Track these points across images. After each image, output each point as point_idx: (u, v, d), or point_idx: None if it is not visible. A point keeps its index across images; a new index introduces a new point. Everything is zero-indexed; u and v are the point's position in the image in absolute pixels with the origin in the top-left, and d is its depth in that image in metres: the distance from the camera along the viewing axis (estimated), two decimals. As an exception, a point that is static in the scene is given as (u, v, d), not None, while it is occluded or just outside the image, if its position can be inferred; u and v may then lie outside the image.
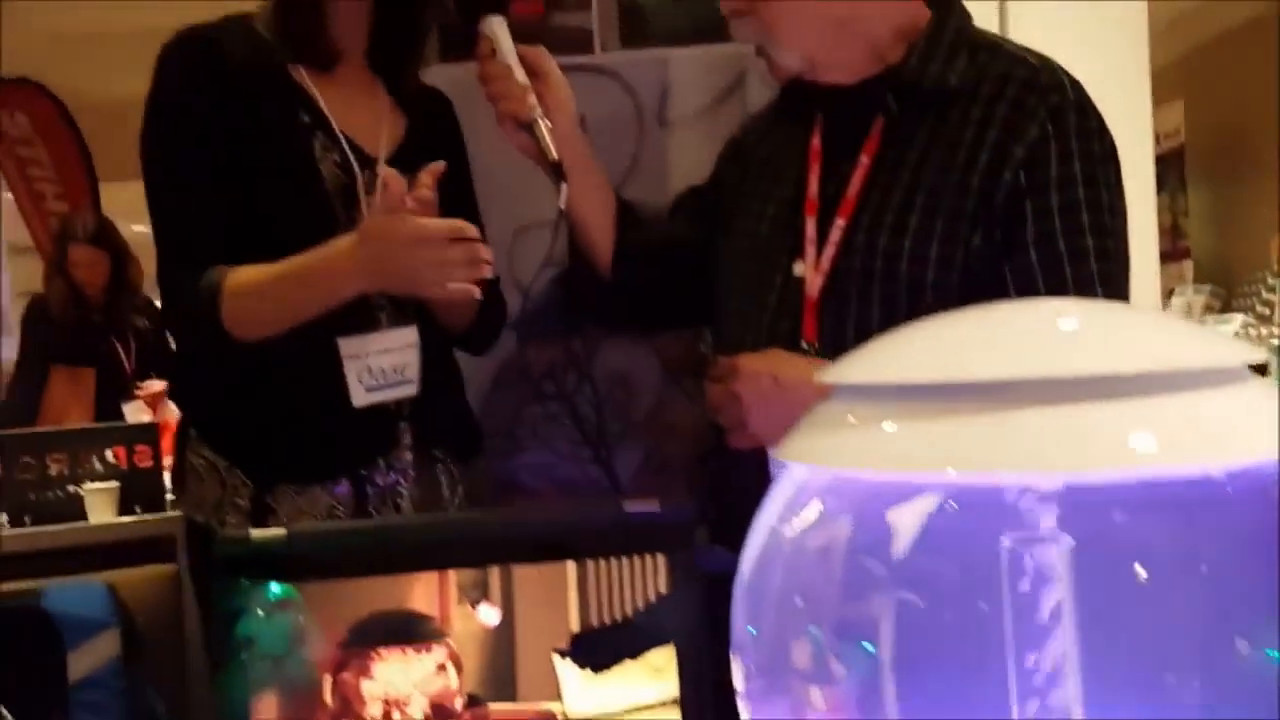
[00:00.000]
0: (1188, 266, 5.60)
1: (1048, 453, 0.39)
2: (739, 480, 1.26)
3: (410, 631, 0.89)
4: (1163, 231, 3.87)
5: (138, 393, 3.65)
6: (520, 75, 1.29)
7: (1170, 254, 5.45)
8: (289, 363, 1.30)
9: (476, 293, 1.24)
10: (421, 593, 0.91)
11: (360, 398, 1.31)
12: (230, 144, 1.29)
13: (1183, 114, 5.72)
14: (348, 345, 1.30)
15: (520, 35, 1.33)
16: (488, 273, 1.23)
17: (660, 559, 0.78)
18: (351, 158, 1.32)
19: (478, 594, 0.93)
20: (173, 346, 1.56)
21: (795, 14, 1.20)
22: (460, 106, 1.54)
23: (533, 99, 1.29)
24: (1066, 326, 0.46)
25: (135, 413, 3.59)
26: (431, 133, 1.43)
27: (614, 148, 1.64)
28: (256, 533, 0.80)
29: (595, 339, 1.74)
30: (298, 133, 1.31)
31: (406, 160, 1.35)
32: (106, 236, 3.93)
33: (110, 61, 6.67)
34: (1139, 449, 0.39)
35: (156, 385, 3.63)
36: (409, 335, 1.35)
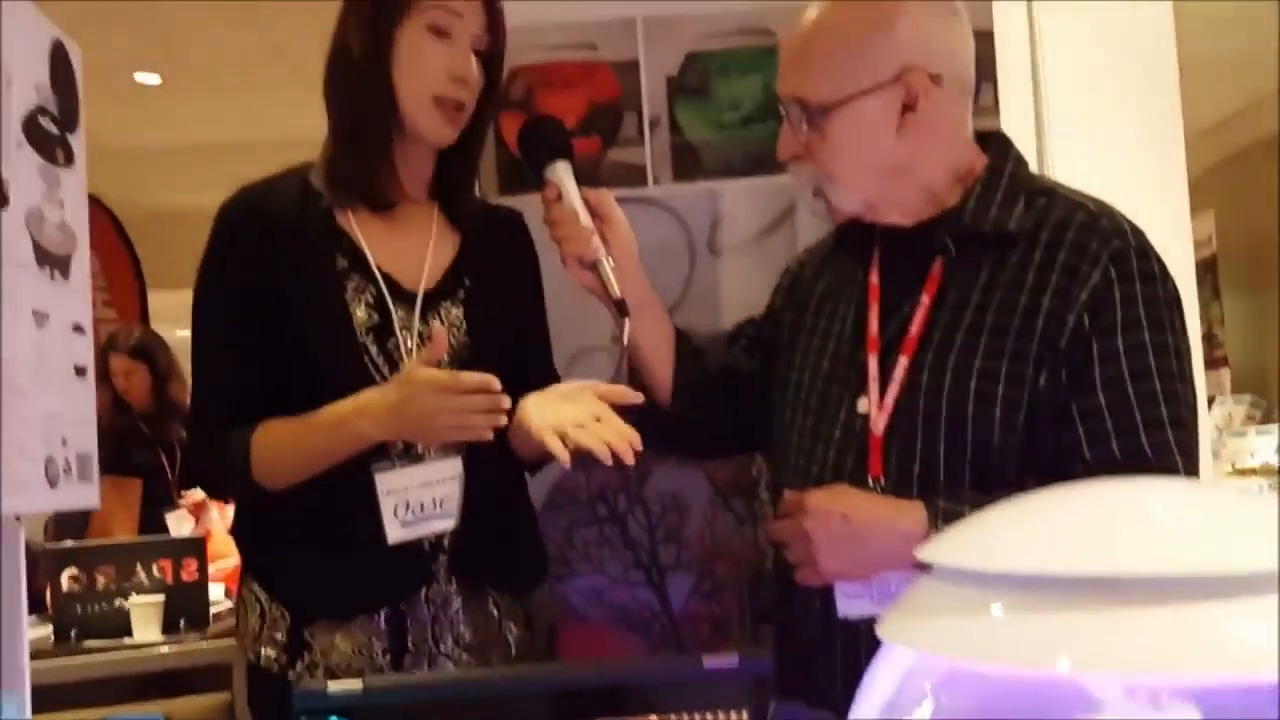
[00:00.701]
0: (1225, 375, 5.58)
1: (1182, 652, 0.40)
2: (801, 617, 1.27)
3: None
4: (1199, 339, 3.88)
5: (180, 502, 3.69)
6: (584, 218, 1.34)
7: (1208, 362, 5.43)
8: (327, 497, 1.32)
9: (488, 434, 1.24)
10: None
11: (395, 533, 1.30)
12: (268, 300, 1.33)
13: (1214, 223, 5.76)
14: (385, 480, 1.30)
15: (578, 171, 1.38)
16: (503, 423, 1.24)
17: (740, 714, 0.78)
18: (387, 295, 1.34)
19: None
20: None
21: (853, 160, 1.24)
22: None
23: (597, 240, 1.33)
24: (1169, 518, 0.47)
25: (178, 522, 3.62)
26: (489, 253, 1.45)
27: (667, 276, 1.68)
28: (333, 685, 0.80)
29: (647, 461, 1.76)
30: (333, 277, 1.33)
31: (451, 286, 1.39)
32: (146, 348, 4.02)
33: (161, 174, 6.92)
34: (1269, 648, 0.40)
35: (199, 495, 3.67)
36: (453, 467, 1.35)
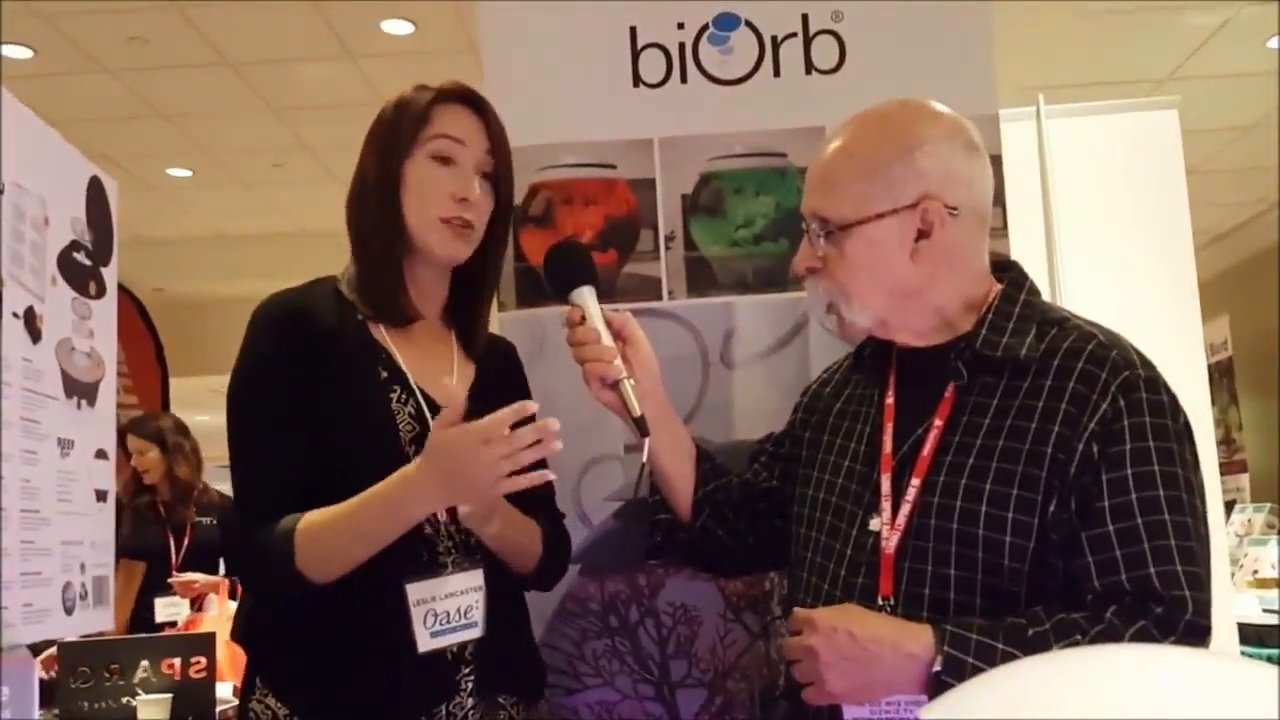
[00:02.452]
0: (1244, 480, 5.52)
1: None
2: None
3: None
4: (1217, 444, 3.86)
5: (172, 583, 3.69)
6: (607, 339, 1.38)
7: (1227, 467, 5.39)
8: (353, 608, 1.32)
9: (549, 475, 1.26)
10: None
11: (425, 642, 1.32)
12: (312, 402, 1.35)
13: (1229, 328, 5.77)
14: (415, 590, 1.32)
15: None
16: (558, 447, 1.24)
17: None
18: (426, 408, 1.39)
19: None
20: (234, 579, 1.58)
21: (867, 279, 1.26)
22: (535, 348, 1.62)
23: (619, 361, 1.37)
24: (1176, 695, 0.48)
25: (165, 608, 3.64)
26: (499, 379, 1.50)
27: (680, 388, 1.70)
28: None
29: (660, 572, 1.76)
30: (377, 386, 1.38)
31: (476, 407, 1.41)
32: (156, 429, 4.08)
33: (186, 264, 7.05)
34: None
35: (194, 577, 3.67)
36: (475, 578, 1.37)
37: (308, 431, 1.34)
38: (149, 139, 5.62)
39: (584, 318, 1.37)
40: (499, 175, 1.44)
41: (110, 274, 0.96)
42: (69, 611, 0.86)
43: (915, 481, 1.23)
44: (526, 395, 1.53)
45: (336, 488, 1.32)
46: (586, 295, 1.38)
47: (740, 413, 1.77)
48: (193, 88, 5.09)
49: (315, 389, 1.35)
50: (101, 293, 0.94)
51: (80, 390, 0.90)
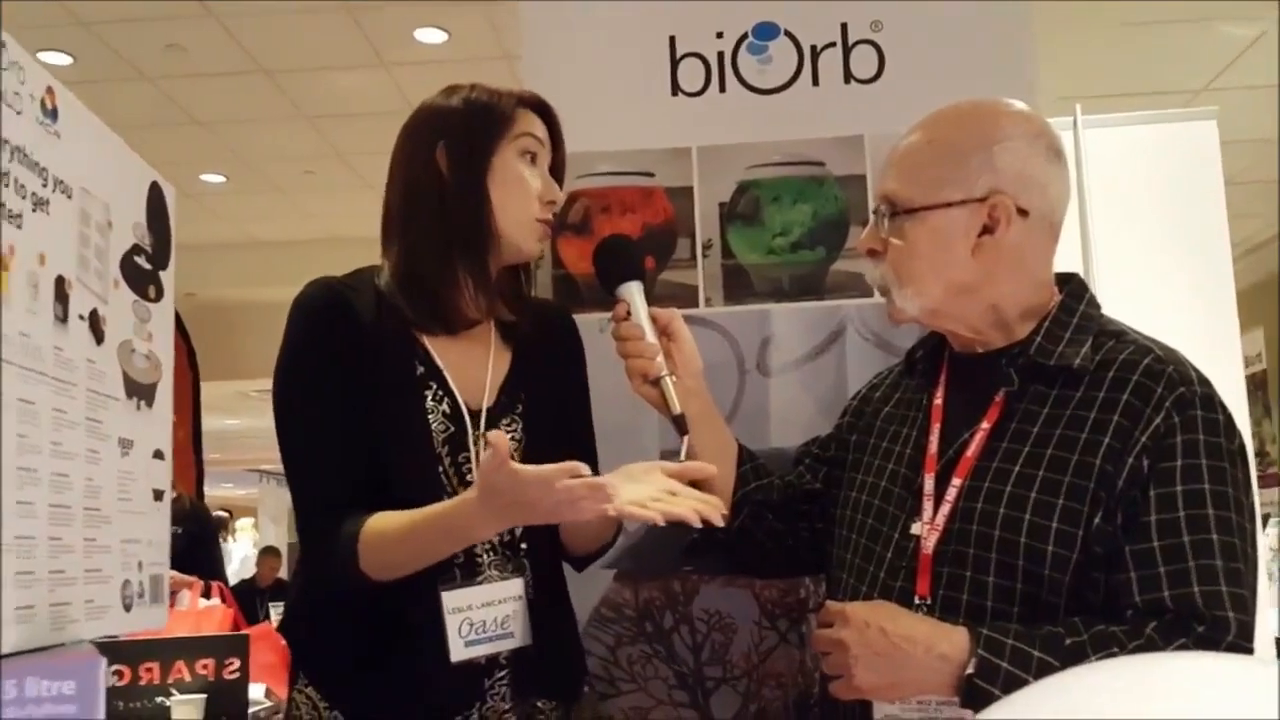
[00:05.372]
0: (1277, 494, 5.46)
1: None
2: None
3: None
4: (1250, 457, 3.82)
5: None
6: (651, 336, 1.37)
7: (1261, 480, 5.32)
8: (393, 611, 1.32)
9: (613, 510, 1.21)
10: None
11: (459, 652, 1.31)
12: (352, 393, 1.35)
13: (1263, 340, 5.71)
14: (451, 598, 1.31)
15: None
16: (612, 497, 1.19)
17: None
18: (462, 407, 1.38)
19: None
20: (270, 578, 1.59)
21: (924, 266, 1.25)
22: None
23: (661, 358, 1.36)
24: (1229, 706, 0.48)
25: None
26: (542, 362, 1.47)
27: (716, 395, 1.69)
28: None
29: (694, 578, 1.76)
30: (413, 385, 1.38)
31: (509, 403, 1.41)
32: None
33: (218, 269, 7.11)
34: None
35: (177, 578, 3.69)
36: (515, 587, 1.36)
37: (353, 424, 1.34)
38: (184, 145, 5.69)
39: (629, 313, 1.37)
40: (558, 175, 1.44)
41: (168, 278, 0.98)
42: (128, 608, 0.88)
43: (957, 482, 1.22)
44: (573, 370, 1.51)
45: (371, 481, 1.32)
46: (634, 290, 1.38)
47: (776, 420, 1.78)
48: (228, 95, 5.15)
49: (353, 382, 1.35)
50: (160, 296, 0.95)
51: (140, 392, 0.91)
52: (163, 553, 0.96)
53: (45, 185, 0.75)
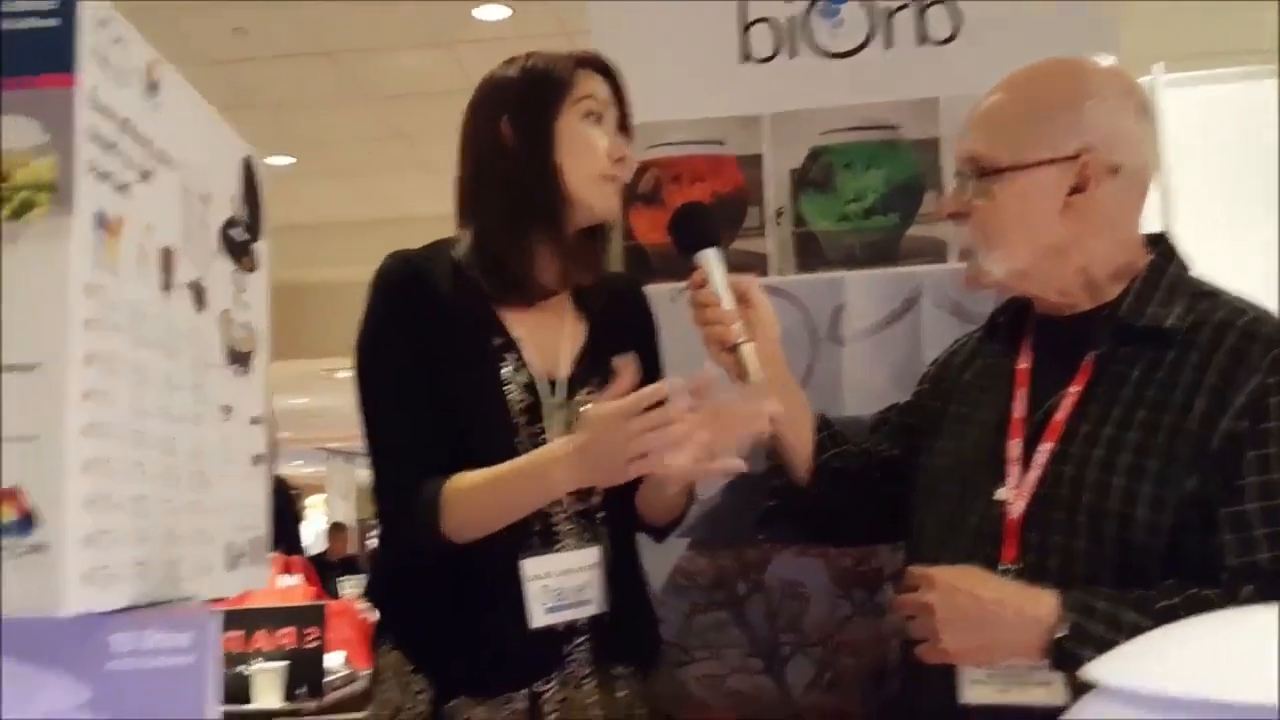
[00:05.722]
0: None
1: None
2: (927, 712, 1.25)
3: None
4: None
5: None
6: (728, 303, 1.35)
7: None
8: (475, 577, 1.35)
9: (677, 459, 1.21)
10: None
11: (539, 618, 1.33)
12: (432, 365, 1.37)
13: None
14: (531, 566, 1.33)
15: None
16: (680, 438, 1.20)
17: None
18: (537, 380, 1.38)
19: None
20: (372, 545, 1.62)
21: (1013, 227, 1.22)
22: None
23: (738, 325, 1.34)
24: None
25: None
26: (618, 333, 1.47)
27: (789, 364, 1.70)
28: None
29: (767, 548, 1.76)
30: (490, 356, 1.38)
31: (587, 373, 1.42)
32: None
33: (286, 250, 7.24)
34: None
35: None
36: (592, 555, 1.38)
37: (430, 393, 1.36)
38: (252, 127, 5.78)
39: (706, 280, 1.35)
40: (627, 136, 1.44)
41: (262, 250, 1.00)
42: (232, 568, 0.90)
43: (1045, 447, 1.20)
44: (647, 341, 1.52)
45: (449, 453, 1.34)
46: (711, 257, 1.35)
47: (849, 389, 1.77)
48: (292, 77, 5.22)
49: (432, 353, 1.37)
50: (254, 267, 0.98)
51: (238, 359, 0.94)
52: (261, 516, 0.98)
53: (150, 157, 0.77)
